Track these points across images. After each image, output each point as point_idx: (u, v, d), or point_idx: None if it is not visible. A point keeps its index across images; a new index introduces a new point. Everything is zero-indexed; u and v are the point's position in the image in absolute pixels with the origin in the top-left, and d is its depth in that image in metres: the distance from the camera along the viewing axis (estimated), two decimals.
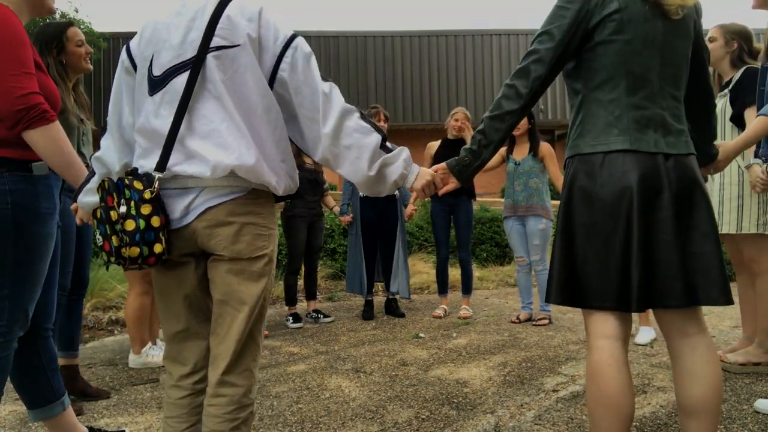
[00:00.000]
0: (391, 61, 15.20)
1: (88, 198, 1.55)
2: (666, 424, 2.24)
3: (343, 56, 15.09)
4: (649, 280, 1.48)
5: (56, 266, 1.99)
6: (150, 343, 3.39)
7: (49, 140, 1.64)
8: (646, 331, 3.58)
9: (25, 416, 2.49)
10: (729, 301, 1.51)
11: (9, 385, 2.88)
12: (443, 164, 1.70)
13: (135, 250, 1.26)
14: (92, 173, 1.55)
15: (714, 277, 1.50)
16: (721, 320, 4.41)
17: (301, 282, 5.44)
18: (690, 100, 1.75)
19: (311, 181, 4.69)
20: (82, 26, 10.55)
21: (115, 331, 4.51)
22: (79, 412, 2.52)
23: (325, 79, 1.38)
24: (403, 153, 1.46)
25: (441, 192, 1.74)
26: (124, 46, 1.46)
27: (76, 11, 10.87)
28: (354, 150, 1.38)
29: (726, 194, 2.87)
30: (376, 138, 1.40)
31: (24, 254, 1.70)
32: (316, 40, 14.93)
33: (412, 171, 1.49)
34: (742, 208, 2.81)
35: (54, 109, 1.81)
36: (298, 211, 4.58)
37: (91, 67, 2.76)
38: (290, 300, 4.74)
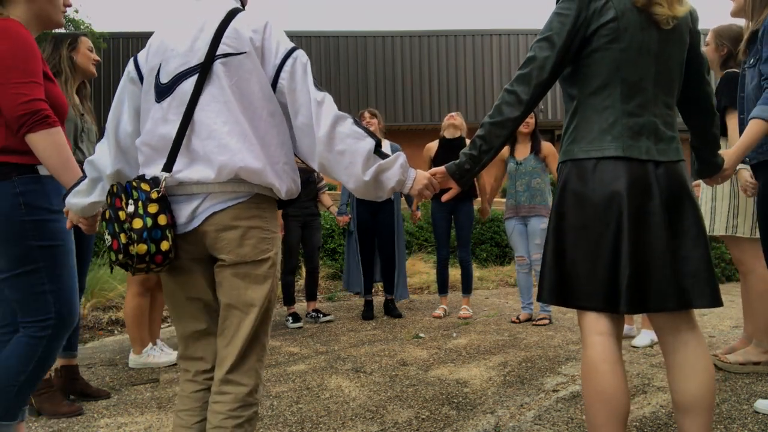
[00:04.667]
0: (391, 61, 15.19)
1: (76, 200, 1.58)
2: (666, 424, 2.24)
3: (343, 56, 15.08)
4: (642, 285, 1.51)
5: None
6: (150, 344, 3.40)
7: (48, 143, 1.73)
8: (647, 334, 3.58)
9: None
10: (718, 303, 1.57)
11: None
12: (442, 168, 1.70)
13: (143, 247, 1.29)
14: (83, 177, 1.59)
15: (703, 280, 1.55)
16: (721, 320, 4.40)
17: (301, 282, 5.45)
18: (691, 107, 1.78)
19: (303, 181, 4.68)
20: (82, 27, 10.52)
21: (115, 331, 4.51)
22: (79, 412, 2.53)
23: (319, 88, 1.42)
24: (399, 158, 1.47)
25: (444, 198, 1.78)
26: (132, 59, 1.52)
27: (76, 12, 10.83)
28: (347, 155, 1.39)
29: (718, 194, 2.95)
30: (369, 143, 1.40)
31: (49, 250, 1.78)
32: (317, 40, 14.91)
33: (409, 176, 1.51)
34: (737, 209, 2.89)
35: (61, 116, 1.91)
36: (291, 211, 4.59)
37: (96, 73, 2.96)
38: (288, 300, 4.75)
